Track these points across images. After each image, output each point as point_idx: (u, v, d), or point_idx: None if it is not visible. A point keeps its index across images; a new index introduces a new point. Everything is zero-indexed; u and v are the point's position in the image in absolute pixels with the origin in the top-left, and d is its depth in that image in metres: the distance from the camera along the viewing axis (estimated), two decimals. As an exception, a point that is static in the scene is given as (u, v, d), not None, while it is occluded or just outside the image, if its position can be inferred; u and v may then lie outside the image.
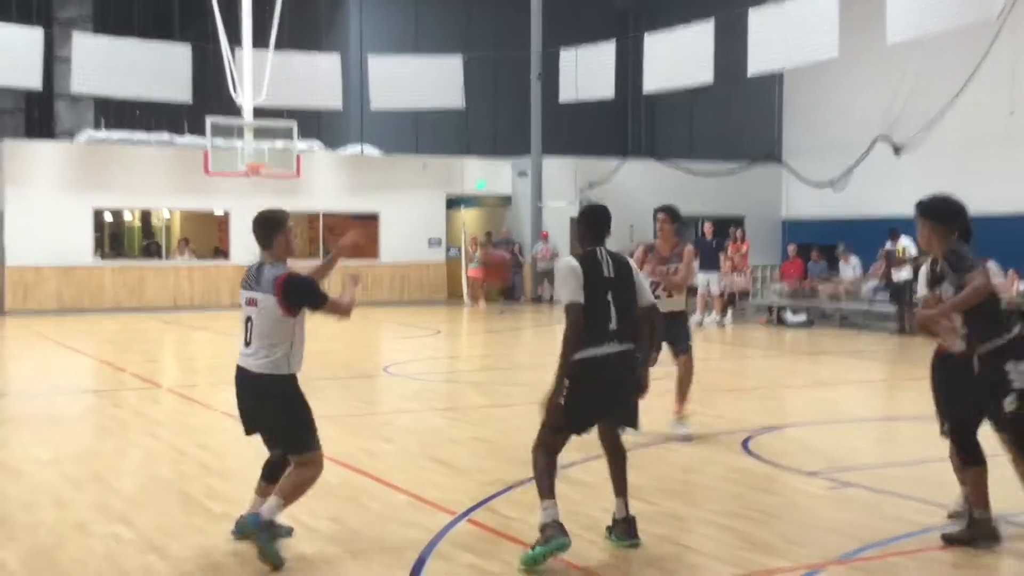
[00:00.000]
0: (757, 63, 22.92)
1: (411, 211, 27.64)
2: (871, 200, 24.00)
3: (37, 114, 35.15)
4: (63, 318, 22.91)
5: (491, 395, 12.51)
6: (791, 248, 24.36)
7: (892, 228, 20.41)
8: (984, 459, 6.01)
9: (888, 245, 20.57)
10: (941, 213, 6.11)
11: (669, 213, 9.69)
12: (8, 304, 23.87)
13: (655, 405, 7.06)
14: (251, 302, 5.91)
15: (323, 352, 14.34)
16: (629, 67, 26.39)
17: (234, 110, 23.57)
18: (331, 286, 6.21)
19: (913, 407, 10.29)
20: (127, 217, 31.41)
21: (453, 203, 28.86)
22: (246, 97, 23.19)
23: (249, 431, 6.08)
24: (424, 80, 26.86)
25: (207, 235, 28.82)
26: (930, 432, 6.73)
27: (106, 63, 24.22)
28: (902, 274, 19.56)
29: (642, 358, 6.21)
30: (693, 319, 21.50)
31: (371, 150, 28.62)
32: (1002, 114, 21.31)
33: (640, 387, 6.19)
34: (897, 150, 23.76)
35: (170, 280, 25.58)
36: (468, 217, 28.88)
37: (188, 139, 26.21)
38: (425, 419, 10.74)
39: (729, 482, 7.70)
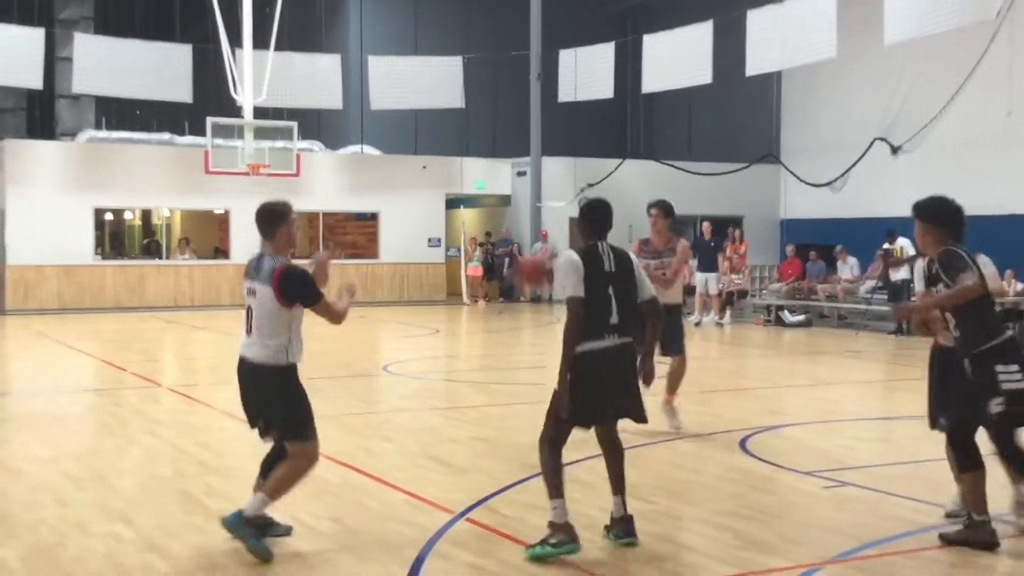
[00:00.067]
0: (755, 64, 22.97)
1: (411, 211, 27.67)
2: (869, 200, 24.03)
3: (38, 114, 35.16)
4: (64, 317, 22.94)
5: (490, 394, 12.54)
6: (789, 248, 24.39)
7: (890, 229, 20.45)
8: (982, 463, 6.01)
9: (886, 245, 20.62)
10: (937, 215, 6.14)
11: (662, 208, 9.72)
12: (9, 303, 23.90)
13: (651, 405, 7.08)
14: (251, 292, 5.99)
15: (323, 351, 14.37)
16: (628, 68, 26.43)
17: (234, 110, 23.61)
18: (329, 292, 6.23)
19: (911, 407, 10.30)
20: (128, 216, 31.45)
21: (452, 203, 28.89)
22: (246, 97, 23.23)
23: (253, 423, 6.13)
24: (424, 80, 26.89)
25: (207, 235, 28.87)
26: (928, 432, 6.77)
27: (107, 63, 24.28)
28: (899, 274, 19.60)
29: (645, 350, 6.27)
30: (691, 319, 21.58)
31: (371, 150, 28.66)
32: (999, 115, 21.34)
33: (646, 377, 6.25)
34: (895, 151, 23.80)
35: (170, 279, 25.61)
36: (467, 217, 28.90)
37: (188, 139, 26.24)
38: (424, 418, 10.77)
39: (727, 481, 7.73)
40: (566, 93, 27.39)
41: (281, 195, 6.31)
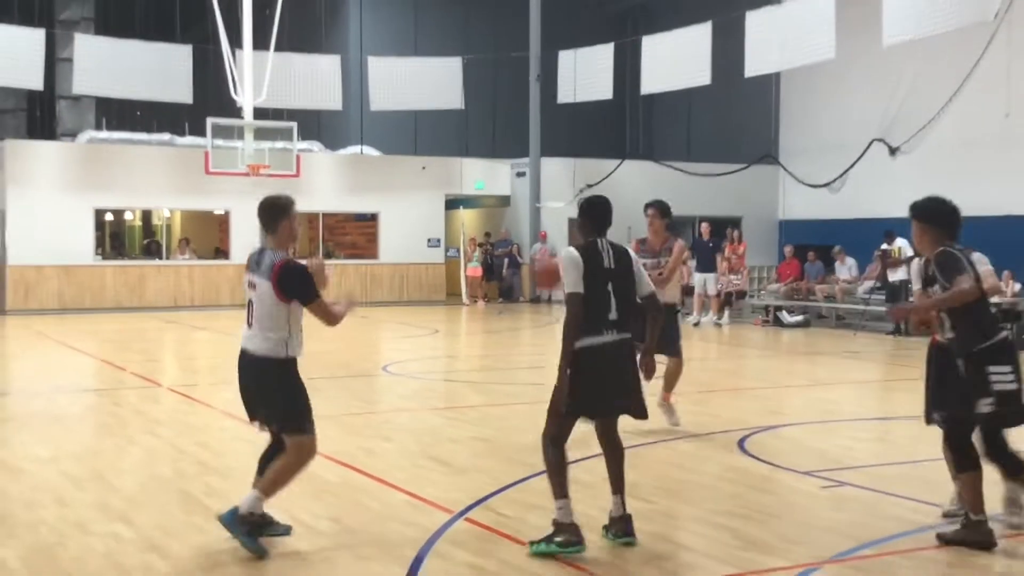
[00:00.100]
0: (754, 65, 23.00)
1: (410, 211, 27.69)
2: (867, 201, 24.06)
3: (39, 114, 35.18)
4: (64, 317, 22.97)
5: (489, 394, 12.56)
6: (787, 249, 24.43)
7: (888, 229, 20.49)
8: (979, 463, 6.05)
9: (884, 246, 20.65)
10: (933, 215, 6.18)
11: (659, 208, 9.76)
12: (9, 303, 23.92)
13: (649, 404, 7.11)
14: (251, 285, 6.04)
15: (323, 351, 14.39)
16: (627, 69, 26.44)
17: (235, 111, 23.64)
18: (328, 295, 6.25)
19: (909, 407, 10.32)
20: (128, 217, 31.47)
21: (452, 203, 28.92)
22: (246, 98, 23.25)
23: (251, 417, 6.17)
24: (423, 81, 26.92)
25: (207, 235, 28.89)
26: (926, 432, 6.77)
27: (107, 64, 24.30)
28: (897, 275, 19.63)
29: (646, 345, 6.32)
30: (690, 319, 21.62)
31: (371, 151, 28.68)
32: (997, 116, 21.37)
33: (647, 372, 6.31)
34: (893, 152, 23.83)
35: (170, 280, 25.63)
36: (467, 217, 28.94)
37: (189, 139, 26.27)
38: (424, 418, 10.80)
39: (725, 481, 7.75)
40: (565, 94, 27.42)
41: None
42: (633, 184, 26.01)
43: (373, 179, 27.57)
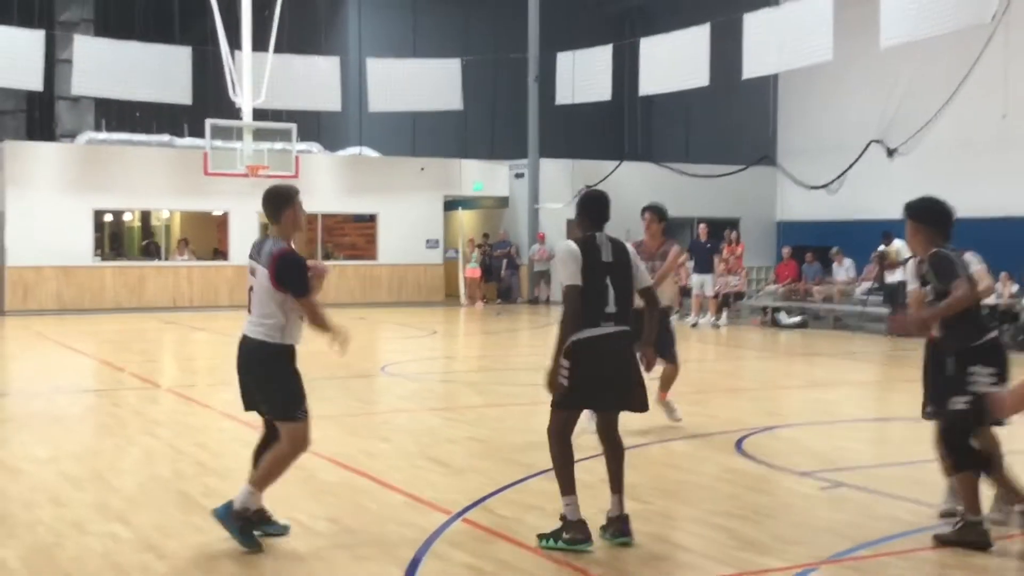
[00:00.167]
0: (752, 66, 23.02)
1: (409, 212, 27.71)
2: (865, 203, 24.09)
3: (38, 115, 35.21)
4: (63, 318, 22.98)
5: (487, 395, 12.59)
6: (785, 250, 24.47)
7: (885, 231, 20.52)
8: (977, 463, 6.07)
9: (881, 247, 20.68)
10: (927, 215, 6.23)
11: (656, 212, 9.80)
12: (8, 304, 23.94)
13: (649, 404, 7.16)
14: (252, 271, 6.09)
15: (321, 352, 14.37)
16: (625, 70, 26.48)
17: (234, 112, 23.66)
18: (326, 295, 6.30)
19: (906, 408, 10.35)
20: (127, 218, 31.49)
21: (451, 204, 28.94)
22: (245, 99, 23.27)
23: (247, 406, 6.19)
24: (422, 82, 26.95)
25: (206, 236, 28.91)
26: (923, 433, 6.80)
27: (107, 65, 24.33)
28: (895, 276, 19.66)
29: (645, 338, 6.37)
30: (688, 320, 21.65)
31: (369, 152, 28.71)
32: (995, 117, 21.41)
33: (648, 364, 6.37)
34: (890, 153, 23.86)
35: (169, 280, 25.65)
36: (465, 218, 28.96)
37: (188, 141, 26.29)
38: (422, 419, 10.82)
39: (723, 482, 7.77)
40: (564, 95, 27.45)
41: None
42: (631, 185, 26.03)
43: (372, 180, 27.59)
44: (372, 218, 27.88)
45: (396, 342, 19.84)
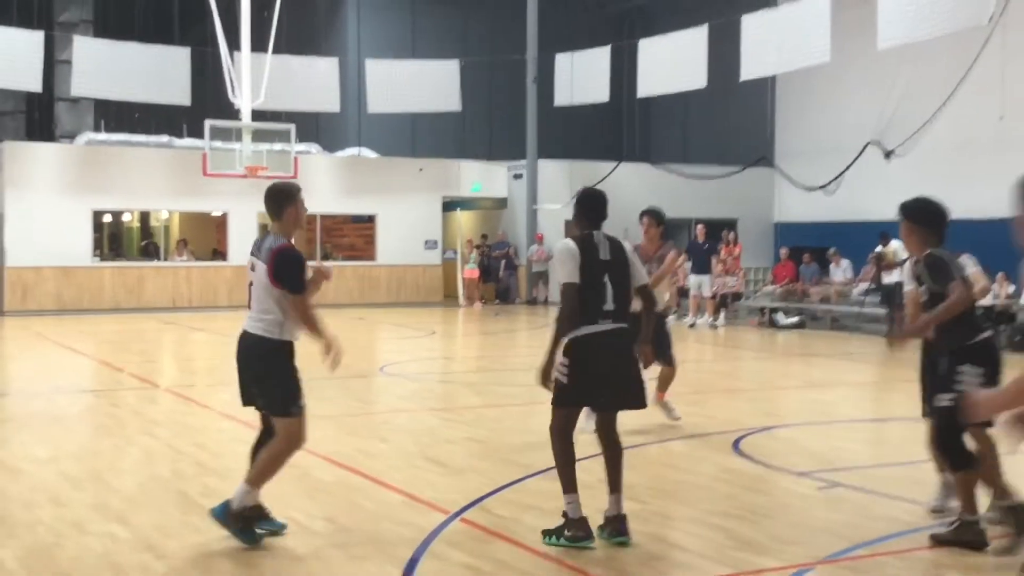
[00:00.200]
0: (750, 68, 23.04)
1: (408, 213, 27.73)
2: (862, 204, 24.13)
3: (37, 116, 35.22)
4: (62, 318, 22.98)
5: (486, 395, 12.61)
6: (783, 251, 24.50)
7: (883, 232, 20.55)
8: (973, 463, 6.10)
9: (878, 248, 20.71)
10: (922, 215, 6.26)
11: (654, 216, 9.85)
12: (7, 304, 23.95)
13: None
14: (252, 267, 6.13)
15: (319, 352, 14.40)
16: (624, 71, 26.50)
17: (232, 113, 23.67)
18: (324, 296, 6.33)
19: (903, 408, 10.38)
20: (126, 218, 31.50)
21: (449, 205, 28.96)
22: (244, 100, 23.28)
23: (245, 401, 6.22)
24: (421, 83, 26.97)
25: (205, 236, 28.93)
26: (920, 433, 6.83)
27: (106, 66, 24.33)
28: (892, 277, 19.69)
29: (642, 336, 6.42)
30: (686, 321, 21.68)
31: (368, 153, 28.72)
32: (992, 119, 21.45)
33: (645, 361, 6.42)
34: (888, 154, 23.89)
35: (168, 281, 25.67)
36: (464, 219, 28.98)
37: (187, 141, 26.31)
38: (421, 419, 10.84)
39: (720, 482, 7.79)
40: (562, 96, 27.48)
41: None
42: (630, 186, 26.05)
43: (371, 181, 27.61)
44: (371, 219, 27.90)
45: (395, 342, 19.86)
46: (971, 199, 18.85)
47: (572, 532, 5.96)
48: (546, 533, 6.06)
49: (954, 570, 5.78)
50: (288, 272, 5.97)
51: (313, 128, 28.81)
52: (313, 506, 6.93)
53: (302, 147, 25.61)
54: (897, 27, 19.80)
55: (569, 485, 6.04)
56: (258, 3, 23.74)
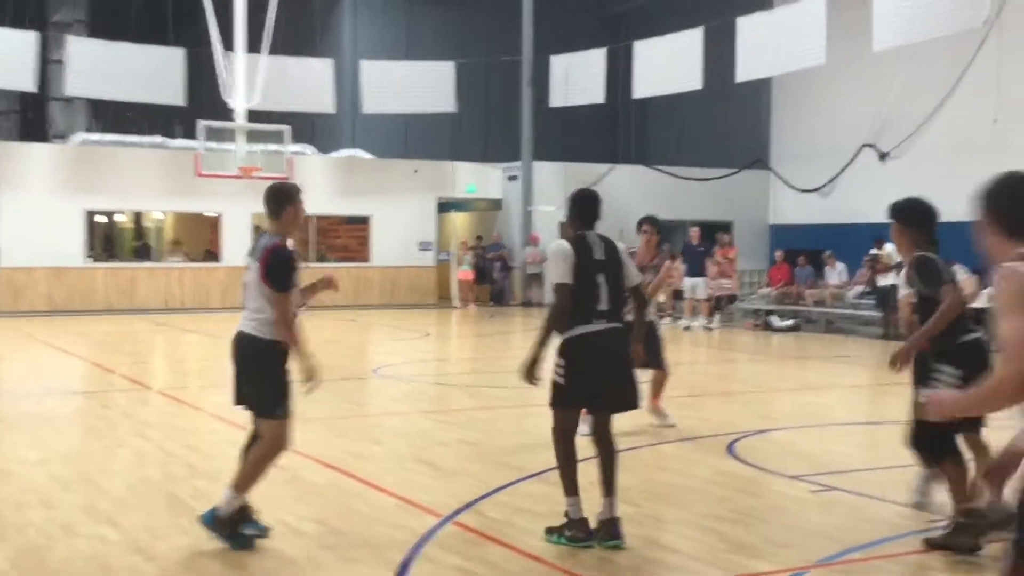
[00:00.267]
0: (746, 70, 23.05)
1: (402, 215, 27.70)
2: (857, 206, 24.14)
3: (31, 116, 35.13)
4: (54, 319, 22.92)
5: (479, 398, 12.58)
6: (778, 253, 24.50)
7: (877, 235, 20.54)
8: (963, 462, 6.10)
9: (873, 251, 20.71)
10: (911, 216, 6.25)
11: (656, 225, 9.89)
12: (-1, 305, 23.90)
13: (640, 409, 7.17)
14: (248, 266, 6.12)
15: (314, 353, 14.36)
16: (619, 73, 26.50)
17: (227, 114, 23.61)
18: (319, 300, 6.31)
19: (897, 411, 10.33)
20: (119, 219, 31.41)
21: (444, 207, 28.93)
22: (239, 101, 23.23)
23: (237, 400, 6.19)
24: (416, 85, 26.93)
25: (199, 237, 28.85)
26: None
27: (100, 66, 24.27)
28: (887, 280, 19.70)
29: (632, 335, 6.44)
30: (681, 323, 21.68)
31: (363, 154, 28.68)
32: (987, 121, 21.45)
33: (636, 359, 6.44)
34: (883, 156, 23.90)
35: (161, 282, 25.61)
36: (459, 221, 28.95)
37: (181, 142, 26.26)
38: (413, 421, 10.80)
39: (714, 485, 7.77)
40: (557, 98, 27.47)
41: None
42: (625, 188, 26.07)
43: (365, 182, 27.57)
44: (365, 220, 27.85)
45: (388, 344, 19.83)
46: (966, 201, 18.79)
47: (572, 532, 6.02)
48: (549, 531, 6.12)
49: (946, 573, 5.77)
50: (276, 269, 5.95)
51: (308, 129, 28.76)
52: (305, 508, 6.89)
53: (296, 148, 25.57)
54: (893, 29, 19.81)
55: (571, 487, 6.08)
56: (253, 3, 23.68)
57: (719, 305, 22.71)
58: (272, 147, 23.14)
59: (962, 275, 6.36)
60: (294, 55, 26.25)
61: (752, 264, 26.90)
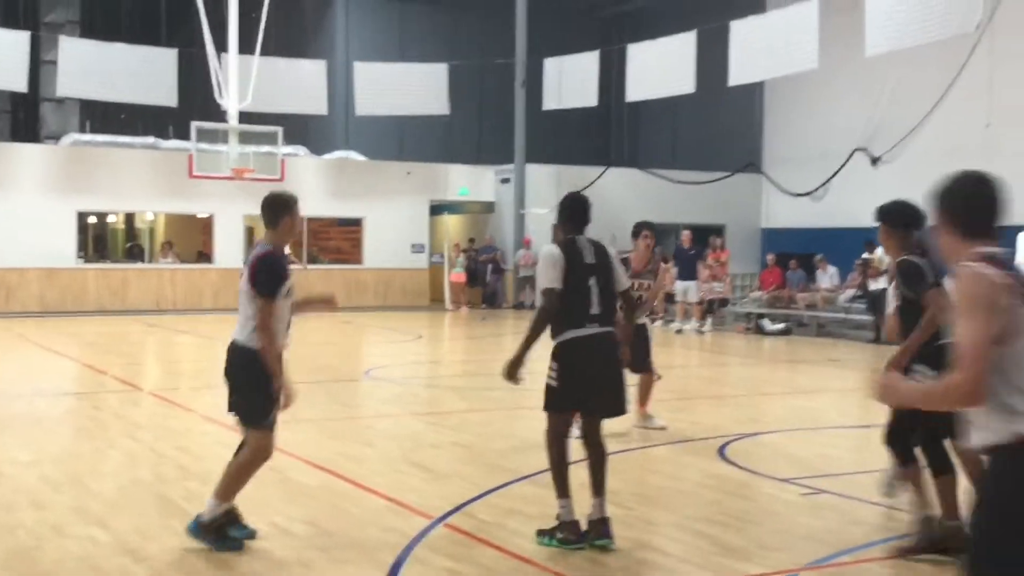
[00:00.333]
0: (738, 74, 23.08)
1: (395, 217, 27.69)
2: (849, 210, 24.17)
3: (23, 117, 35.06)
4: (45, 320, 22.86)
5: (471, 400, 12.57)
6: (770, 257, 24.54)
7: (869, 239, 20.58)
8: (952, 468, 6.11)
9: (865, 255, 20.75)
10: (898, 219, 6.26)
11: (654, 230, 9.89)
12: (-11, 306, 23.83)
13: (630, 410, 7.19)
14: (241, 274, 6.13)
15: (305, 355, 14.37)
16: (612, 76, 26.54)
17: (219, 115, 23.59)
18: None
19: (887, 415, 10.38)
20: (111, 220, 31.37)
21: (436, 209, 28.92)
22: (231, 102, 23.21)
23: (229, 407, 6.19)
24: (409, 87, 26.92)
25: (191, 238, 28.84)
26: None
27: (92, 67, 24.24)
28: (878, 284, 19.72)
29: (620, 338, 6.43)
30: (672, 326, 21.69)
31: (356, 156, 28.66)
32: (978, 126, 21.51)
33: (627, 361, 6.49)
34: (875, 161, 23.95)
35: (153, 283, 25.57)
36: (451, 223, 28.94)
37: (173, 143, 26.23)
38: (405, 423, 10.79)
39: (705, 488, 7.78)
40: (550, 101, 27.48)
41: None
42: (617, 191, 26.10)
43: (358, 184, 27.56)
44: (358, 222, 27.83)
45: (381, 346, 19.81)
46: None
47: (564, 535, 6.03)
48: (540, 533, 6.13)
49: (937, 577, 5.78)
50: (263, 274, 5.94)
51: (300, 130, 28.74)
52: (295, 510, 6.88)
53: (289, 149, 25.55)
54: (885, 34, 19.84)
55: (563, 489, 6.10)
56: (246, 4, 23.69)
57: (711, 308, 22.74)
58: (265, 148, 23.12)
59: (950, 280, 6.34)
60: (287, 56, 26.25)
61: (744, 268, 26.95)
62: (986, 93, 21.26)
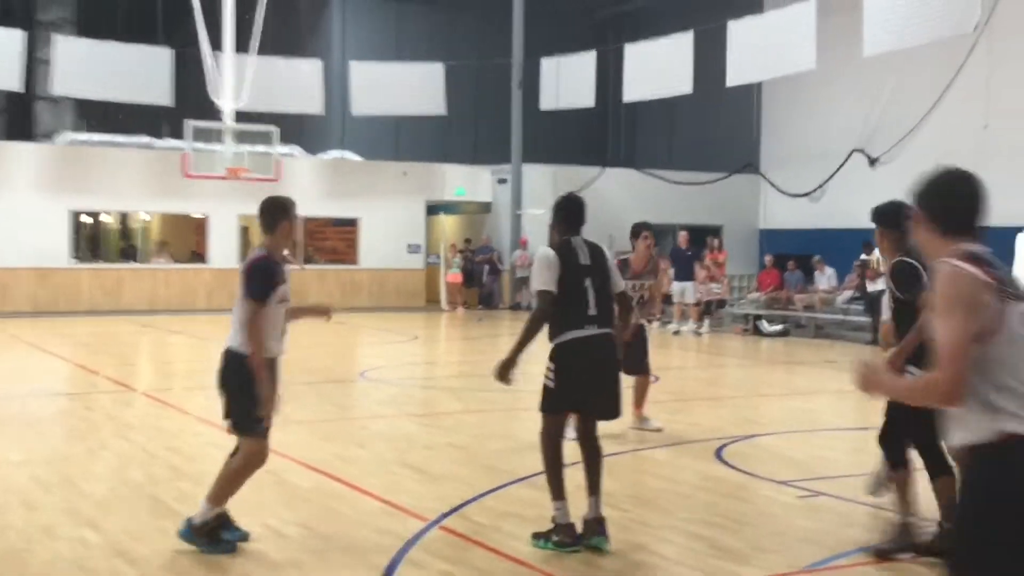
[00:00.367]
0: (736, 74, 23.05)
1: (391, 217, 27.64)
2: (847, 211, 24.12)
3: (17, 115, 34.94)
4: (38, 320, 22.77)
5: (466, 401, 12.52)
6: (768, 258, 24.51)
7: (867, 240, 20.55)
8: (950, 468, 6.06)
9: (863, 256, 20.73)
10: (892, 220, 6.23)
11: (653, 231, 9.87)
12: (-17, 306, 23.74)
13: (626, 413, 7.13)
14: (238, 279, 6.07)
15: (300, 357, 14.30)
16: (610, 76, 26.50)
17: (215, 114, 23.52)
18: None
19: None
20: (105, 219, 31.27)
21: (433, 209, 28.87)
22: (227, 101, 23.14)
23: (224, 414, 6.13)
24: (405, 87, 26.88)
25: (185, 238, 28.74)
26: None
27: (87, 65, 24.16)
28: (876, 285, 19.69)
29: (616, 340, 6.39)
30: (670, 327, 21.66)
31: (352, 156, 28.61)
32: (976, 127, 21.50)
33: (630, 364, 6.43)
34: (872, 162, 23.93)
35: (147, 283, 25.49)
36: (447, 224, 28.89)
37: (168, 142, 26.15)
38: (400, 425, 10.74)
39: (702, 490, 7.74)
40: (547, 101, 27.45)
41: (261, 200, 6.31)
42: (614, 192, 26.06)
43: (354, 184, 27.51)
44: (354, 222, 27.77)
45: (376, 347, 19.75)
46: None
47: (559, 537, 6.00)
48: (535, 536, 6.10)
49: (937, 580, 5.74)
50: (254, 278, 5.90)
51: (296, 130, 28.67)
52: (289, 512, 6.83)
53: (285, 149, 25.49)
54: (883, 34, 19.82)
55: (558, 491, 6.08)
56: (242, 3, 23.61)
57: (708, 309, 22.70)
58: (260, 148, 23.06)
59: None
60: (283, 56, 26.18)
61: (741, 269, 26.92)
62: (984, 94, 21.24)
